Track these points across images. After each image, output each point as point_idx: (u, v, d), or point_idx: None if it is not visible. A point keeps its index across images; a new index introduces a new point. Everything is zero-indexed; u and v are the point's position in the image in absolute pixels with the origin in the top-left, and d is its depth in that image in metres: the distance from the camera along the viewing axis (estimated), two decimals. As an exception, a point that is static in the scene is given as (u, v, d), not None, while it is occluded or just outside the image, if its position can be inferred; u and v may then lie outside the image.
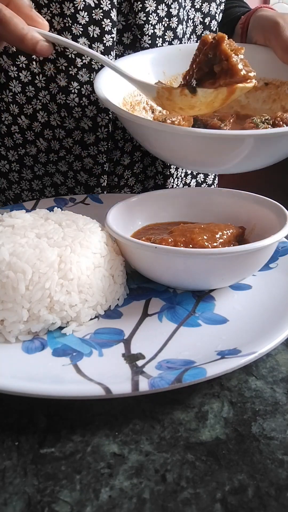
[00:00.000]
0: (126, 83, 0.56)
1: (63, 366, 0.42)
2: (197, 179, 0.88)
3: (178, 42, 0.73)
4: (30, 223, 0.51)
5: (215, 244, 0.50)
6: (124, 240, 0.51)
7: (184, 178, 0.86)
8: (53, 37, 0.54)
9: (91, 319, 0.49)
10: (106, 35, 0.66)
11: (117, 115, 0.64)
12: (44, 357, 0.43)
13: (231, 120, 0.64)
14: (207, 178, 0.90)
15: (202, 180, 0.89)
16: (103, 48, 0.66)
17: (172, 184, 0.83)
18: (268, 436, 0.37)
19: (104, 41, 0.66)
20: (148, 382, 0.39)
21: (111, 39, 0.67)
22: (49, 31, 0.54)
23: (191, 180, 0.88)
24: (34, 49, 0.52)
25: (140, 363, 0.42)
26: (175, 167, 0.81)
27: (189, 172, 0.86)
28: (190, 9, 0.74)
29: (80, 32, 0.65)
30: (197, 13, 0.75)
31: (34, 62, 0.67)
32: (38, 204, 0.68)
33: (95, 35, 0.66)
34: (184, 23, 0.74)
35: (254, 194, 0.58)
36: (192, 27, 0.76)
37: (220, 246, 0.50)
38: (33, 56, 0.67)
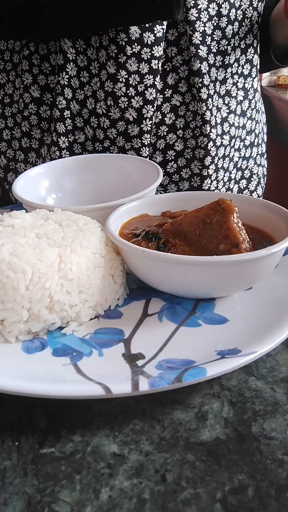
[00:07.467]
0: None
1: (63, 366, 0.42)
2: (239, 184, 0.86)
3: (226, 42, 0.73)
4: (30, 223, 0.51)
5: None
6: (123, 246, 0.49)
7: (228, 183, 0.84)
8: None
9: (91, 319, 0.49)
10: (157, 26, 0.67)
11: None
12: (44, 357, 0.43)
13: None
14: (250, 185, 0.88)
15: (244, 186, 0.87)
16: (154, 38, 0.67)
17: (209, 186, 0.81)
18: (268, 436, 0.37)
19: (155, 31, 0.67)
20: (148, 382, 0.39)
21: (162, 30, 0.68)
22: None
23: (233, 186, 0.85)
24: None
25: (140, 363, 0.42)
26: (213, 168, 0.79)
27: (232, 177, 0.85)
28: (248, 7, 0.74)
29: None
30: (254, 12, 0.75)
31: (91, 48, 0.68)
32: (38, 204, 0.69)
33: (147, 24, 0.67)
34: (237, 23, 0.73)
35: (262, 200, 0.58)
36: (249, 26, 0.75)
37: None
38: (91, 42, 0.67)
